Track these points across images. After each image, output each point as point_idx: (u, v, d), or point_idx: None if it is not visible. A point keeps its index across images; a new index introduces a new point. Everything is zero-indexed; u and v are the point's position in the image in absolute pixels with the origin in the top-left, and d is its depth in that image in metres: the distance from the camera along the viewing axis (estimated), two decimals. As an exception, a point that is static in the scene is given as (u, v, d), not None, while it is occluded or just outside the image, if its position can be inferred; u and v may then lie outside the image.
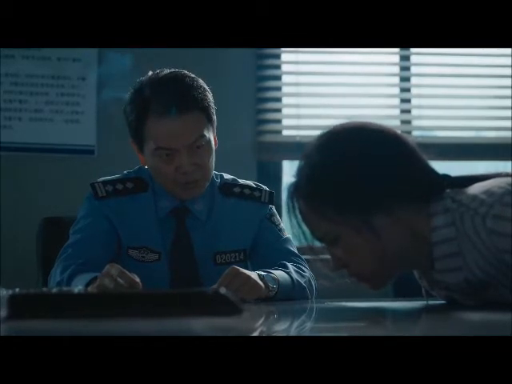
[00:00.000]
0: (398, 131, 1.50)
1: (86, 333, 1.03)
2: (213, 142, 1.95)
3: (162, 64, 1.99)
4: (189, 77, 1.93)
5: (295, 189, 1.45)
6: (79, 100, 3.20)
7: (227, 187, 2.05)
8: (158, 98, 1.87)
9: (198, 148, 1.90)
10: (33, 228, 2.41)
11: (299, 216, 1.45)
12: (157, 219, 1.97)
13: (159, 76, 1.92)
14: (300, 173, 1.45)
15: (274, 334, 1.17)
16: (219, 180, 2.06)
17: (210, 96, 1.94)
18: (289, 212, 1.46)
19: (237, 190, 2.06)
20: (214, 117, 1.96)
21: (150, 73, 1.95)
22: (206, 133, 1.91)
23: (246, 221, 2.02)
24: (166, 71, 1.94)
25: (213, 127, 1.96)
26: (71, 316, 1.15)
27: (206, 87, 1.95)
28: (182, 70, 1.95)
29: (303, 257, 2.06)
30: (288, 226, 2.04)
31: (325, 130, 1.48)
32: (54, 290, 1.28)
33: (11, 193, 3.14)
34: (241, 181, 2.09)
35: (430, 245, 1.40)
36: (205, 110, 1.92)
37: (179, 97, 1.87)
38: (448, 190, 1.42)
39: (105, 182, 2.00)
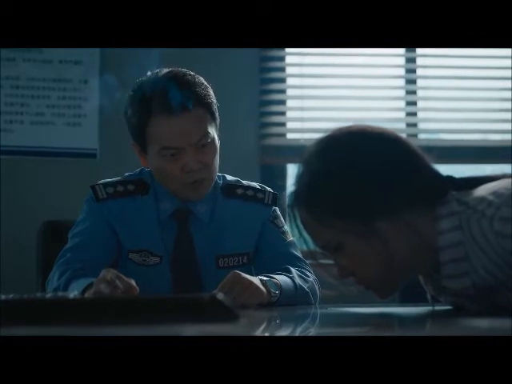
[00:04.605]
0: (399, 134, 1.47)
1: (79, 334, 1.01)
2: (217, 141, 1.92)
3: (162, 66, 1.96)
4: (190, 74, 1.90)
5: (295, 197, 1.42)
6: (81, 103, 3.18)
7: (230, 188, 2.02)
8: (160, 97, 1.83)
9: (204, 146, 1.87)
10: (33, 231, 2.40)
11: (300, 225, 1.42)
12: (158, 222, 1.94)
13: (159, 75, 1.88)
14: (299, 180, 1.42)
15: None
16: (221, 181, 2.03)
17: (211, 93, 1.92)
18: (290, 222, 1.44)
19: (239, 191, 2.03)
20: (217, 114, 1.93)
21: (149, 73, 1.91)
22: (210, 130, 1.88)
23: (249, 223, 1.99)
24: (166, 70, 1.90)
25: (216, 125, 1.93)
26: (65, 323, 1.13)
27: (207, 84, 1.92)
28: (181, 69, 1.92)
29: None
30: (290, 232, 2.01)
31: (323, 135, 1.44)
32: (49, 296, 1.26)
33: (12, 196, 3.13)
34: (244, 182, 2.06)
35: (436, 249, 1.37)
36: (208, 106, 1.89)
37: (181, 94, 1.84)
38: (454, 192, 1.39)
39: (105, 184, 1.97)
